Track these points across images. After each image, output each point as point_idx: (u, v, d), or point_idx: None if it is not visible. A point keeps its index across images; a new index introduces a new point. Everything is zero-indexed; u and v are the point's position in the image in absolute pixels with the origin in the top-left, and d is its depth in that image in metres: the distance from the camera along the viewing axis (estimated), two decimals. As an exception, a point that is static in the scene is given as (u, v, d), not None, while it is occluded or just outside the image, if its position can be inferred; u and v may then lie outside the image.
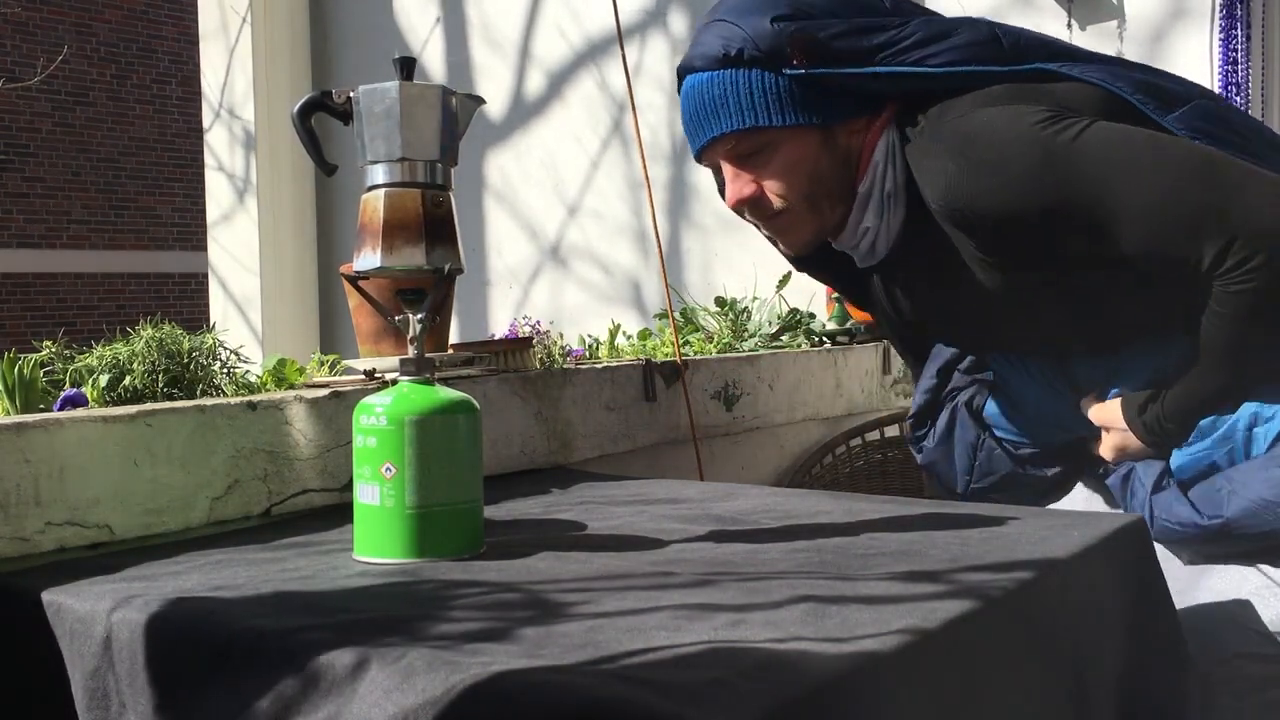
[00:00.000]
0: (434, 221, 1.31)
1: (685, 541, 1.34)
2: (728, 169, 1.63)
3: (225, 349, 1.65)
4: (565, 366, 2.03)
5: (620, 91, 3.67)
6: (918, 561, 1.21)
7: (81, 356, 1.57)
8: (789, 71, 1.55)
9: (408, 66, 1.33)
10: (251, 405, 1.53)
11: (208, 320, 4.30)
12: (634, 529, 1.43)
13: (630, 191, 3.70)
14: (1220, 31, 2.62)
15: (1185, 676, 1.37)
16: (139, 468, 1.42)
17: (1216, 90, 2.56)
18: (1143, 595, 1.35)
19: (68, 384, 1.54)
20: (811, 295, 2.89)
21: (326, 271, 4.40)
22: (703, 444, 2.20)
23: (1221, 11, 2.61)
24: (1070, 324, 1.60)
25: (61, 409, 1.46)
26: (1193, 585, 1.50)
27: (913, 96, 1.58)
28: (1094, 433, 1.65)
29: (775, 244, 1.71)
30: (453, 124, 1.35)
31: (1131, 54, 2.67)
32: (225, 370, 1.65)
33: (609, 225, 3.76)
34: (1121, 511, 1.62)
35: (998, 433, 1.73)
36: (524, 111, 3.94)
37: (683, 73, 1.64)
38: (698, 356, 2.35)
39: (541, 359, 2.02)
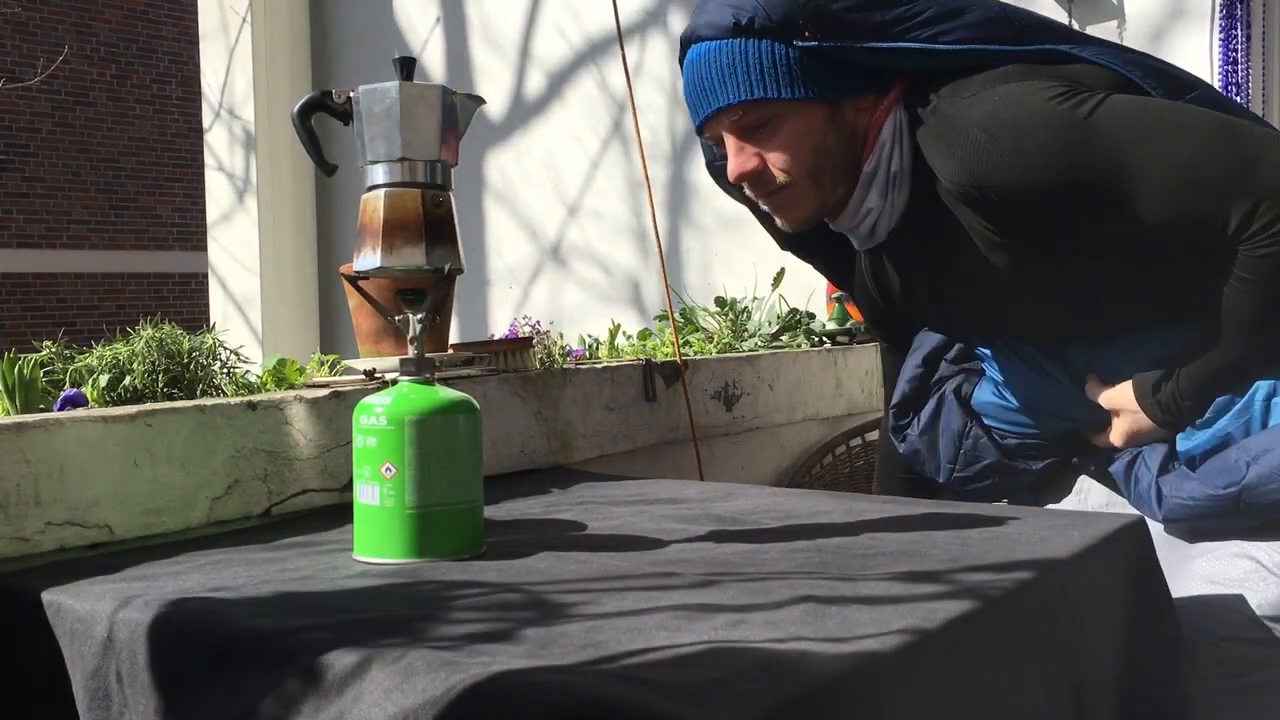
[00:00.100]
0: (434, 221, 1.32)
1: (685, 541, 1.34)
2: (730, 141, 1.60)
3: (225, 349, 1.65)
4: (565, 366, 2.03)
5: (620, 91, 3.67)
6: (918, 561, 1.21)
7: (81, 356, 1.58)
8: (800, 43, 1.53)
9: (408, 66, 1.33)
10: (251, 405, 1.53)
11: (208, 320, 4.31)
12: (634, 529, 1.43)
13: (630, 191, 3.70)
14: (1220, 31, 2.62)
15: (1185, 676, 1.37)
16: (139, 468, 1.42)
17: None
18: (1143, 595, 1.35)
19: (68, 384, 1.54)
20: (810, 294, 2.89)
21: (326, 271, 4.40)
22: (703, 444, 2.20)
23: (1221, 11, 2.61)
24: (1074, 309, 1.59)
25: (61, 409, 1.46)
26: (1182, 572, 1.50)
27: (922, 75, 1.56)
28: (1093, 419, 1.65)
29: (770, 221, 1.69)
30: (453, 124, 1.35)
31: (1131, 54, 2.67)
32: (225, 370, 1.65)
33: (609, 225, 3.76)
34: (1121, 509, 1.62)
35: (987, 421, 1.72)
36: (524, 111, 3.94)
37: (686, 42, 1.61)
38: (698, 356, 2.35)
39: (541, 359, 2.02)
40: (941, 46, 1.55)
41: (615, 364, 2.12)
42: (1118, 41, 2.69)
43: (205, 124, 4.52)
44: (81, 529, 1.36)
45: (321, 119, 1.36)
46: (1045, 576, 1.18)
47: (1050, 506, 1.71)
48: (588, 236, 3.81)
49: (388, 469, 1.25)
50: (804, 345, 2.62)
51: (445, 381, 1.59)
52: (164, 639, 1.06)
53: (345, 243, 4.27)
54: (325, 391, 1.62)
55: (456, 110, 1.35)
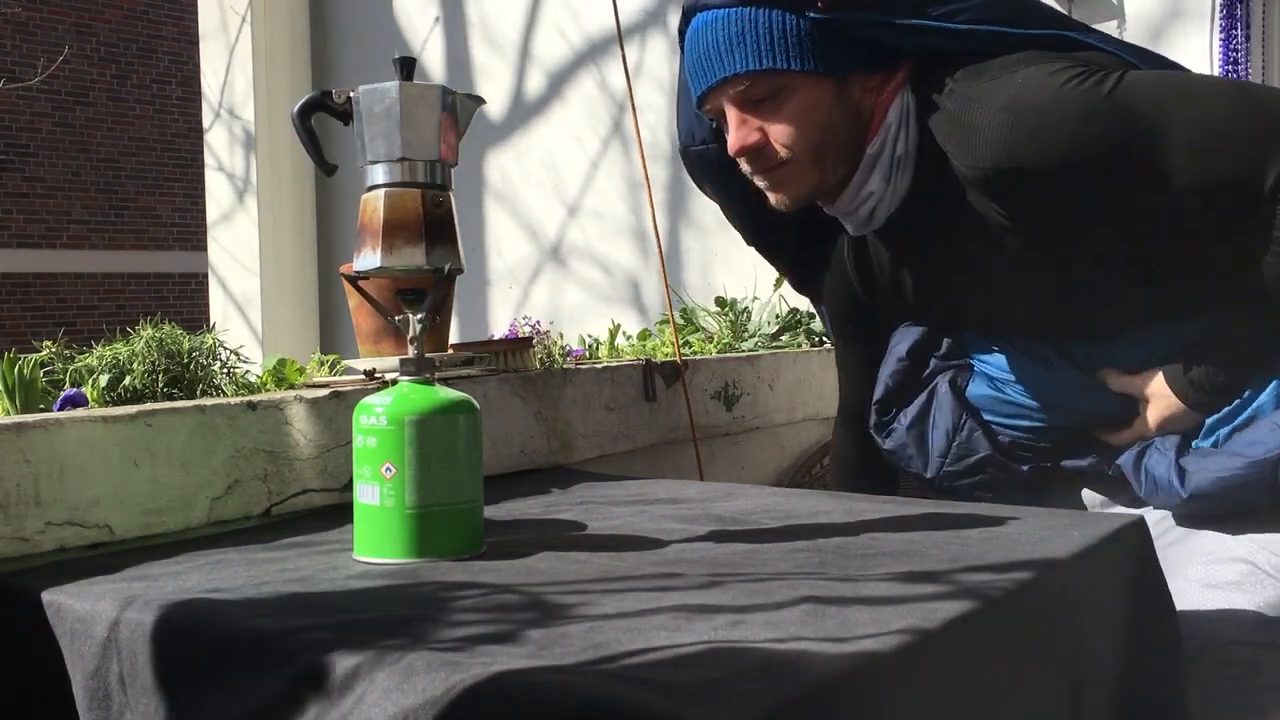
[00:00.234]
0: (434, 221, 1.31)
1: (685, 542, 1.34)
2: (733, 114, 1.56)
3: (225, 349, 1.65)
4: (565, 366, 2.03)
5: (620, 91, 3.68)
6: (918, 561, 1.21)
7: (81, 356, 1.58)
8: (811, 14, 1.50)
9: (408, 66, 1.33)
10: (251, 405, 1.53)
11: (208, 320, 4.31)
12: (634, 529, 1.43)
13: (630, 191, 3.70)
14: (1220, 31, 2.62)
15: (1185, 676, 1.37)
16: (139, 468, 1.42)
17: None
18: (1143, 595, 1.35)
19: (68, 384, 1.54)
20: (811, 295, 2.89)
21: (326, 271, 4.40)
22: (703, 444, 2.20)
23: (1221, 11, 2.61)
24: (1085, 299, 1.57)
25: (61, 409, 1.46)
26: (1177, 576, 1.49)
27: (930, 56, 1.55)
28: (1101, 410, 1.63)
29: (740, 213, 1.66)
30: (453, 124, 1.35)
31: (1131, 54, 2.68)
32: (225, 370, 1.65)
33: (609, 225, 3.76)
34: (1128, 502, 1.62)
35: (985, 416, 1.71)
36: (524, 111, 3.95)
37: (691, 11, 1.59)
38: (698, 356, 2.35)
39: (541, 359, 2.02)
40: (955, 26, 1.53)
41: (615, 364, 2.12)
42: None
43: (205, 124, 4.52)
44: (81, 529, 1.36)
45: (321, 119, 1.36)
46: (1045, 576, 1.18)
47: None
48: (588, 236, 3.81)
49: (388, 469, 1.25)
50: (804, 345, 2.62)
51: (445, 381, 1.59)
52: (164, 639, 1.06)
53: (345, 243, 4.27)
54: (325, 391, 1.62)
55: (456, 110, 1.35)
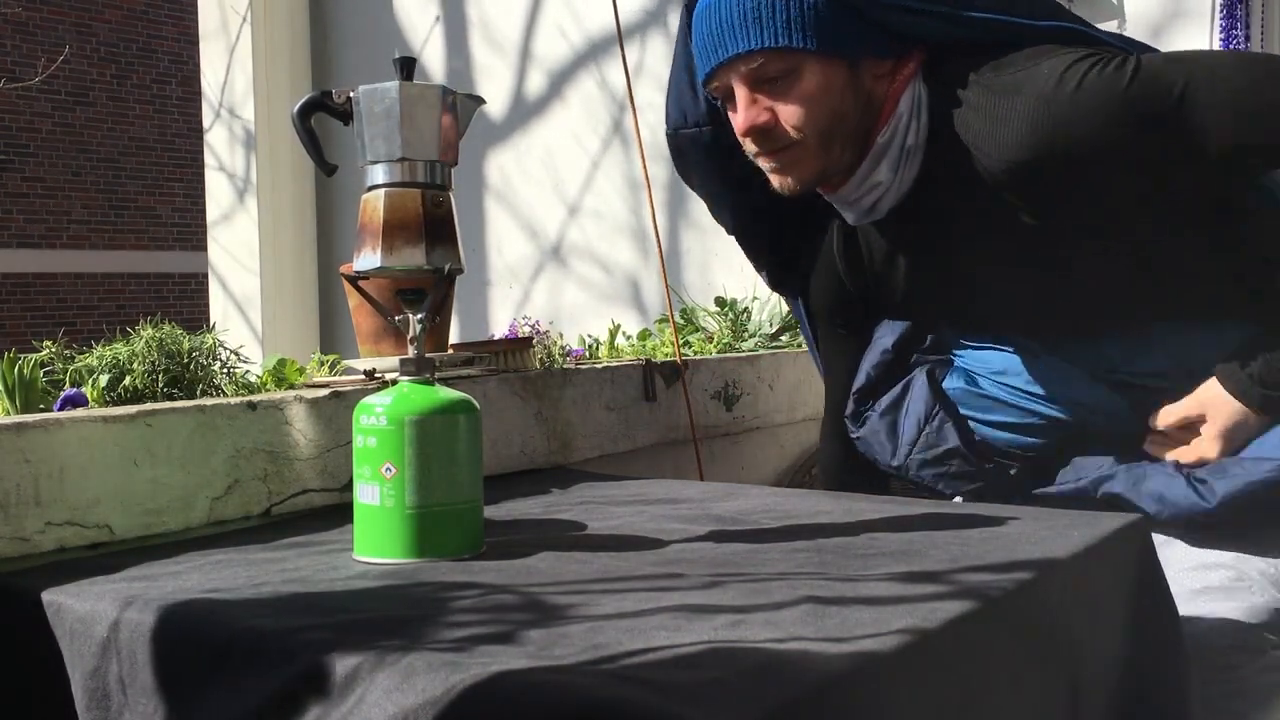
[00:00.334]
0: (434, 221, 1.31)
1: (685, 542, 1.34)
2: (741, 94, 1.55)
3: (225, 349, 1.65)
4: (565, 366, 2.03)
5: (620, 91, 3.67)
6: (918, 561, 1.21)
7: (81, 356, 1.58)
8: None
9: (408, 66, 1.33)
10: (251, 405, 1.53)
11: (208, 320, 4.31)
12: (634, 529, 1.43)
13: (630, 191, 3.70)
14: (1220, 31, 2.62)
15: (1187, 677, 1.37)
16: (139, 468, 1.42)
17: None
18: (1143, 595, 1.35)
19: (68, 384, 1.54)
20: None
21: (326, 271, 4.40)
22: (703, 444, 2.20)
23: (1221, 11, 2.61)
24: (1083, 297, 1.57)
25: (61, 409, 1.46)
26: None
27: (939, 46, 1.54)
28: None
29: (763, 186, 1.65)
30: (453, 124, 1.35)
31: (1131, 54, 2.68)
32: (225, 370, 1.65)
33: (609, 225, 3.76)
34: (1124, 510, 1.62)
35: (962, 410, 1.69)
36: (524, 111, 3.94)
37: None
38: (698, 356, 2.35)
39: (541, 359, 2.02)
40: (971, 14, 1.53)
41: (615, 364, 2.12)
42: (1118, 41, 2.69)
43: (205, 124, 4.52)
44: (81, 529, 1.36)
45: (321, 119, 1.36)
46: (1045, 576, 1.18)
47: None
48: (588, 236, 3.81)
49: (388, 469, 1.25)
50: (804, 345, 2.62)
51: (445, 381, 1.59)
52: (164, 639, 1.06)
53: (345, 243, 4.27)
54: (325, 391, 1.62)
55: (456, 110, 1.35)
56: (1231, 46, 2.60)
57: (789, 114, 1.53)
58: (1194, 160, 1.43)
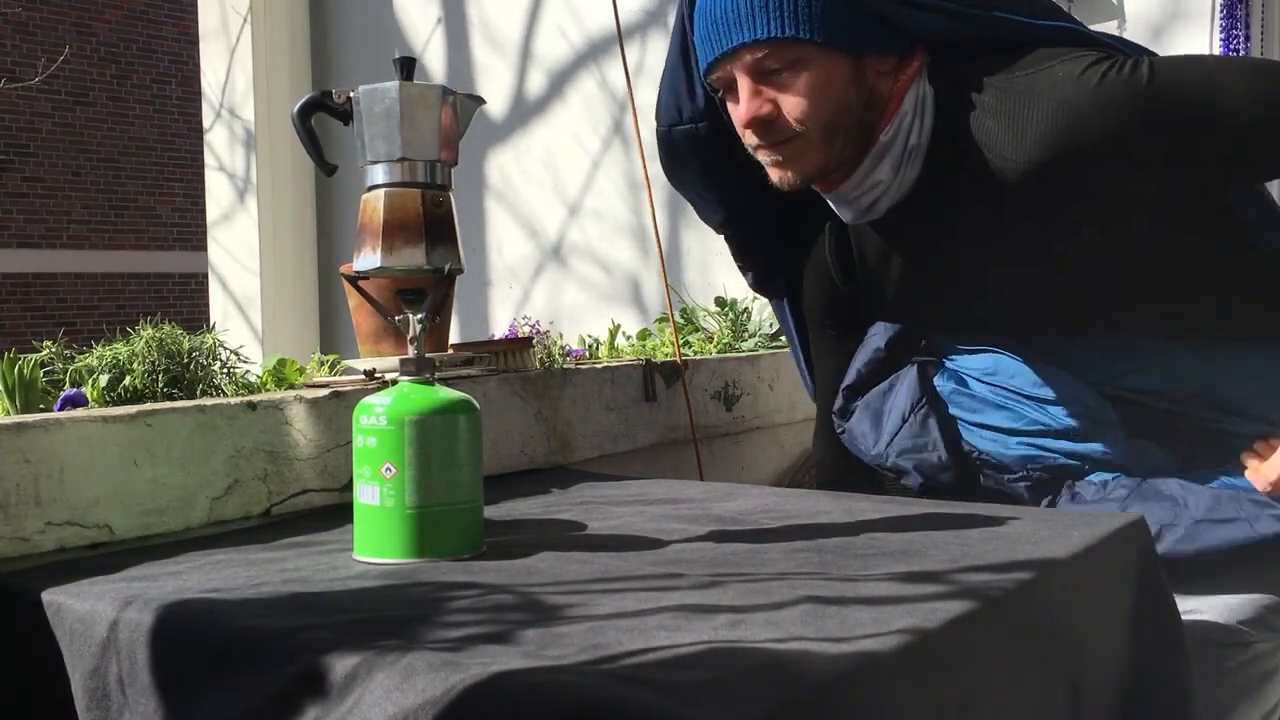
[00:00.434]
0: (434, 221, 1.31)
1: (685, 542, 1.34)
2: (744, 85, 1.54)
3: (225, 349, 1.65)
4: (565, 366, 2.03)
5: (620, 91, 3.67)
6: (918, 561, 1.21)
7: (81, 356, 1.57)
8: None
9: (408, 66, 1.33)
10: (251, 405, 1.53)
11: (208, 320, 4.30)
12: (634, 529, 1.43)
13: (630, 191, 3.70)
14: (1220, 31, 2.62)
15: (1188, 676, 1.37)
16: (139, 468, 1.42)
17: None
18: (1143, 595, 1.35)
19: (68, 384, 1.54)
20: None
21: (326, 271, 4.40)
22: (703, 444, 2.20)
23: (1221, 11, 2.61)
24: (1099, 299, 1.57)
25: (61, 409, 1.46)
26: None
27: (943, 46, 1.54)
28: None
29: (760, 182, 1.64)
30: (453, 124, 1.35)
31: (1131, 54, 2.68)
32: (225, 370, 1.65)
33: (609, 225, 3.76)
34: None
35: (951, 410, 1.69)
36: (524, 111, 3.94)
37: None
38: (698, 356, 2.35)
39: (541, 359, 2.02)
40: (977, 12, 1.53)
41: (615, 364, 2.12)
42: (1118, 41, 2.69)
43: (205, 124, 4.52)
44: (81, 529, 1.36)
45: (321, 119, 1.36)
46: (1045, 576, 1.18)
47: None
48: (588, 236, 3.81)
49: (388, 469, 1.25)
50: (804, 345, 2.62)
51: (445, 381, 1.59)
52: (164, 639, 1.06)
53: (345, 243, 4.27)
54: (325, 391, 1.62)
55: (457, 110, 1.35)
56: (1231, 47, 2.60)
57: (792, 106, 1.52)
58: (1205, 162, 1.44)
